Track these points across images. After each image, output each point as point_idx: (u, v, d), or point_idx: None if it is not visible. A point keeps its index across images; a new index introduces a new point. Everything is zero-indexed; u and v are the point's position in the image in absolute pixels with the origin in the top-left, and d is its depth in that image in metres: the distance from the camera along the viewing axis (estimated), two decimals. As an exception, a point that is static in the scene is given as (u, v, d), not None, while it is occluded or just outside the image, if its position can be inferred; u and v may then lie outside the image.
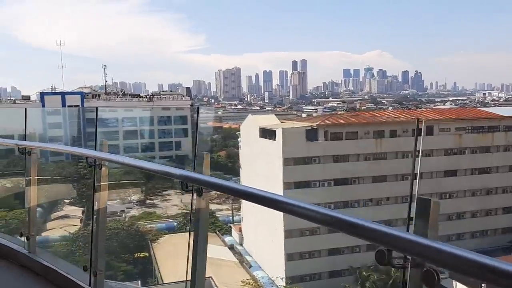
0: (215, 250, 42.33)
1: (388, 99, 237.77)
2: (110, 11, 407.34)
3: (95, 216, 4.35)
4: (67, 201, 53.54)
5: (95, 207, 4.38)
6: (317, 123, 40.75)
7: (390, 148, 42.15)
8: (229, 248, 44.77)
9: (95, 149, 4.25)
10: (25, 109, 5.40)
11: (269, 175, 39.73)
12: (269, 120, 44.69)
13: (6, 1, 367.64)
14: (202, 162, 3.32)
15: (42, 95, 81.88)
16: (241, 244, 47.20)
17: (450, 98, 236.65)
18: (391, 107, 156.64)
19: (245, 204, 47.51)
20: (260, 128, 42.44)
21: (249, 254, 44.73)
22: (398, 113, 49.26)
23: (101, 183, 4.28)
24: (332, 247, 40.15)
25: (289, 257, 38.58)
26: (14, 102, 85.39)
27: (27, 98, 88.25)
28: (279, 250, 38.40)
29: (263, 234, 41.01)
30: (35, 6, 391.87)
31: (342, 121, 42.45)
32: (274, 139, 39.59)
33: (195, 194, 3.21)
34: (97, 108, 4.95)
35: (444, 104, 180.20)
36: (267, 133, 40.90)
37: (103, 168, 4.26)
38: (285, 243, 37.92)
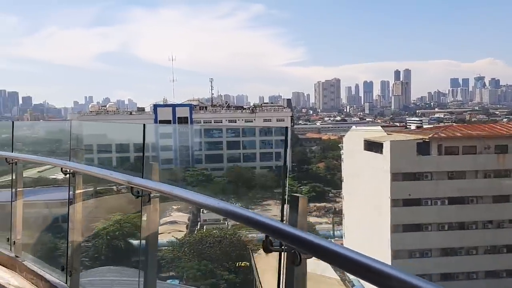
0: (316, 265, 41.09)
1: (502, 110, 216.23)
2: (217, 28, 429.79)
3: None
4: (175, 207, 56.40)
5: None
6: (430, 135, 37.85)
7: (515, 165, 37.68)
8: (330, 265, 43.32)
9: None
10: (143, 125, 4.30)
11: (374, 190, 37.75)
12: (375, 132, 42.66)
13: (126, 21, 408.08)
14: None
15: (155, 107, 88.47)
16: (342, 261, 45.48)
17: None
18: (506, 119, 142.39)
19: (348, 218, 45.78)
20: (365, 140, 40.66)
21: (352, 272, 42.84)
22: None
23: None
24: (445, 271, 36.77)
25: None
26: (131, 114, 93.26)
27: (142, 110, 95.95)
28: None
29: (368, 252, 38.83)
30: (150, 25, 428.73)
31: (458, 134, 38.95)
32: (381, 152, 37.56)
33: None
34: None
35: None
36: (373, 146, 39.00)
37: None
38: (392, 264, 35.49)
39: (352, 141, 44.00)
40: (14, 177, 5.67)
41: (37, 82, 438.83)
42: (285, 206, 2.53)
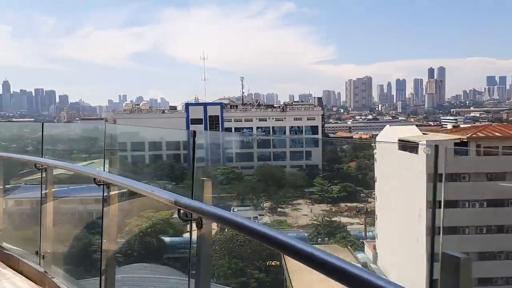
0: None
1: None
2: (248, 27, 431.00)
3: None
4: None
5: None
6: (468, 135, 36.51)
7: (559, 167, 35.80)
8: (363, 266, 42.42)
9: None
10: (194, 132, 3.86)
11: (409, 191, 36.71)
12: (410, 131, 41.54)
13: (159, 21, 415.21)
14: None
15: (187, 105, 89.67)
16: (375, 263, 44.59)
17: None
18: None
19: (380, 219, 44.88)
20: (399, 140, 39.63)
21: (385, 275, 41.91)
22: None
23: None
24: (483, 276, 35.35)
25: (434, 284, 35.03)
26: (163, 112, 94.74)
27: (174, 108, 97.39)
28: (421, 275, 35.04)
29: (402, 255, 38.00)
30: (182, 25, 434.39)
31: (498, 133, 37.42)
32: (416, 152, 36.47)
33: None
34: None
35: None
36: (408, 145, 37.92)
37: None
38: (427, 268, 34.52)
39: (386, 140, 43.03)
40: (43, 185, 5.15)
41: (73, 81, 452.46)
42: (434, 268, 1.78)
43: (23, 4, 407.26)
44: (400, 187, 37.86)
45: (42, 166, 5.11)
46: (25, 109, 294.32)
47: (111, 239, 4.22)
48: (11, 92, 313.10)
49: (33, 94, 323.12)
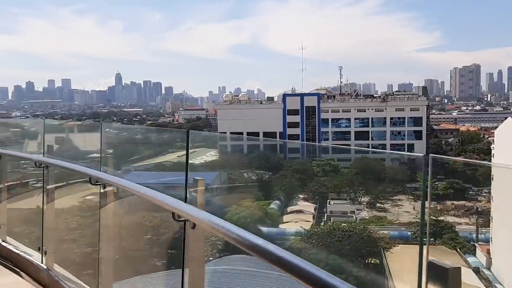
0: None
1: None
2: (345, 16, 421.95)
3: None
4: (301, 196, 56.23)
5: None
6: None
7: None
8: (474, 271, 38.75)
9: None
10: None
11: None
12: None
13: (257, 13, 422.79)
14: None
15: (284, 96, 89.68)
16: (488, 269, 40.42)
17: None
18: None
19: (497, 222, 40.45)
20: (523, 134, 35.13)
21: (500, 283, 37.81)
22: None
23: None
24: None
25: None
26: (261, 103, 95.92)
27: (271, 99, 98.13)
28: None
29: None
30: (280, 16, 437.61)
31: None
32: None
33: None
34: None
35: None
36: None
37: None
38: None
39: (507, 134, 38.50)
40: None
41: (177, 73, 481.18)
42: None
43: (133, 0, 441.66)
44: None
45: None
46: (135, 99, 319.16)
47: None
48: (123, 84, 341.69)
49: (142, 86, 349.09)
